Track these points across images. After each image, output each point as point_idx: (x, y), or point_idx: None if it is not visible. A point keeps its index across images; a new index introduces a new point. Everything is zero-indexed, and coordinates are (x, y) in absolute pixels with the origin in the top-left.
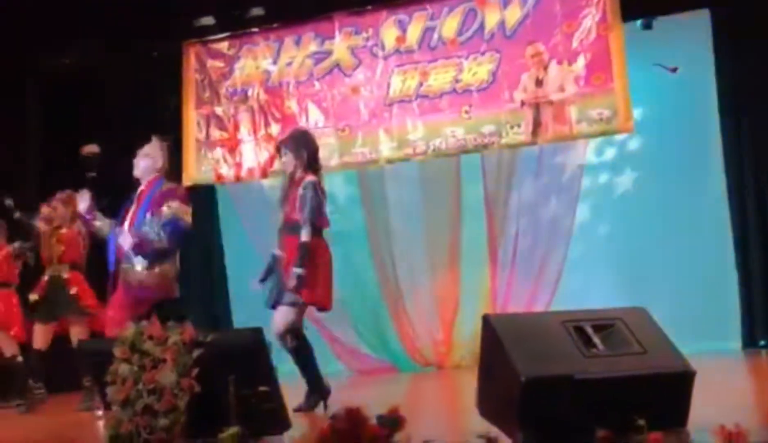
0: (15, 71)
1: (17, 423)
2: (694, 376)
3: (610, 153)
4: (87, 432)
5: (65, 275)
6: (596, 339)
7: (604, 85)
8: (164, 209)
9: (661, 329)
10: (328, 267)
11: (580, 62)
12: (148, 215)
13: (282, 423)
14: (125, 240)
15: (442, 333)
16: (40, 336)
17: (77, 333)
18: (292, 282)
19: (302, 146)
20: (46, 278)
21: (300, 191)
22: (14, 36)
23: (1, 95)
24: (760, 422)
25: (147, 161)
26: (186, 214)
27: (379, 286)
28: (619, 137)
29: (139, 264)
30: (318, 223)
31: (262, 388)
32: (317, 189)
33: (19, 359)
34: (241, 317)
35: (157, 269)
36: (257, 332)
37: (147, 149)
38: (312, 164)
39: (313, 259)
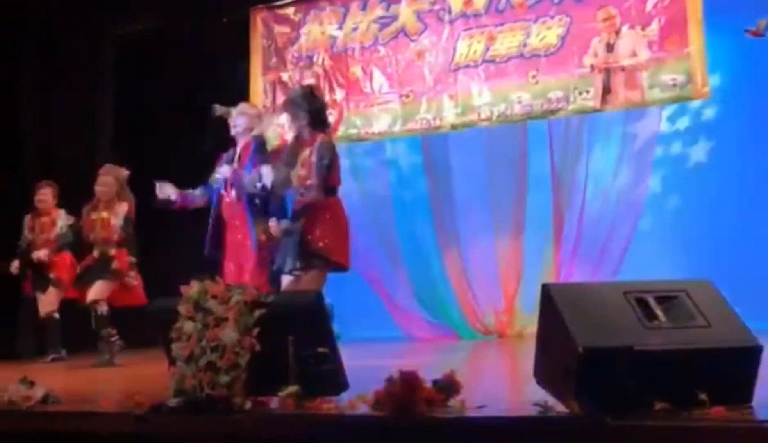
0: (88, 37)
1: (81, 376)
2: (761, 351)
3: (683, 122)
4: (151, 385)
5: (111, 252)
6: (658, 311)
7: (678, 50)
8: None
9: (727, 303)
10: (347, 227)
11: (654, 26)
12: (249, 175)
13: (339, 384)
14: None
15: (504, 301)
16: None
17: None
18: (319, 245)
19: (300, 107)
20: (95, 254)
21: (312, 154)
22: (87, 3)
23: (75, 61)
24: None
25: (244, 119)
26: None
27: (441, 254)
28: (693, 105)
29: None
30: (331, 182)
31: (320, 349)
32: (328, 149)
33: (56, 316)
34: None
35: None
36: (317, 294)
37: (244, 106)
38: (317, 123)
39: (334, 220)
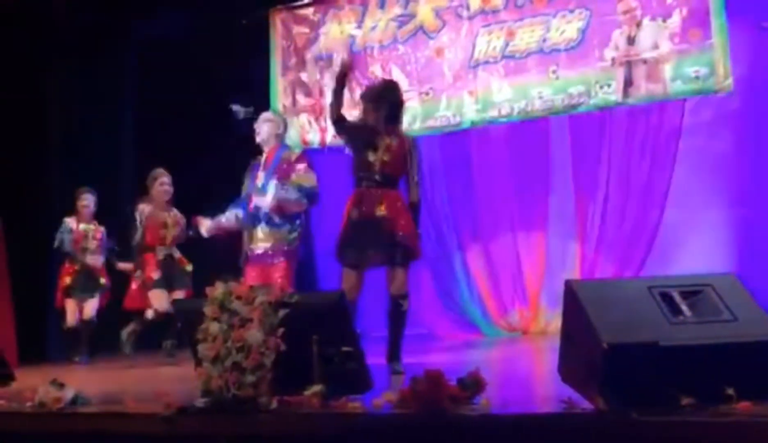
0: (111, 40)
1: (109, 377)
2: None
3: (707, 114)
4: (179, 386)
5: (176, 254)
6: (684, 306)
7: (701, 42)
8: (294, 176)
9: (752, 297)
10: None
11: (676, 18)
12: (275, 181)
13: (364, 383)
14: (264, 202)
15: (527, 298)
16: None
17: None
18: (410, 241)
19: (384, 98)
20: (161, 257)
21: (399, 143)
22: (110, 5)
23: (98, 64)
24: None
25: (269, 126)
26: (314, 179)
27: (464, 251)
28: (717, 97)
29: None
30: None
31: (345, 348)
32: (415, 145)
33: (94, 320)
34: (327, 279)
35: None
36: (341, 294)
37: (268, 114)
38: (393, 117)
39: (408, 211)
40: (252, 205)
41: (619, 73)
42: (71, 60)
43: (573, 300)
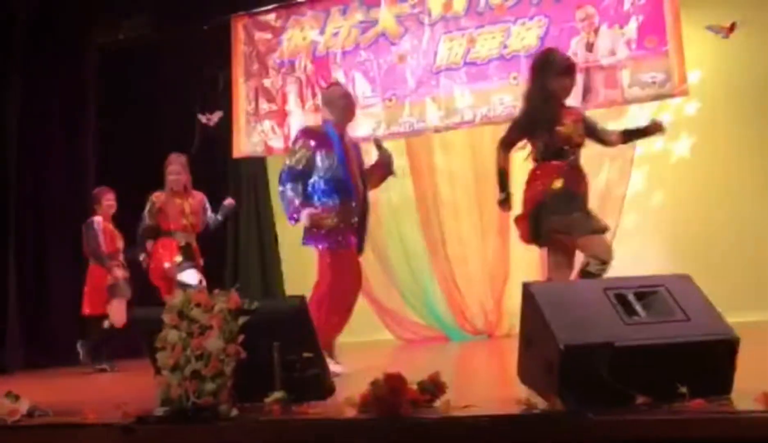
0: (72, 47)
1: (67, 387)
2: (737, 343)
3: (665, 119)
4: (139, 395)
5: (194, 244)
6: (638, 306)
7: (657, 49)
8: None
9: (705, 297)
10: None
11: (632, 25)
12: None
13: (326, 389)
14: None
15: (491, 301)
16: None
17: None
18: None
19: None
20: (182, 243)
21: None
22: (71, 12)
23: (59, 71)
24: None
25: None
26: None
27: (429, 256)
28: (674, 102)
29: None
30: None
31: (306, 354)
32: None
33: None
34: (293, 285)
35: None
36: (301, 299)
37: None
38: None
39: None
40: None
41: (578, 80)
42: (30, 69)
43: (530, 303)
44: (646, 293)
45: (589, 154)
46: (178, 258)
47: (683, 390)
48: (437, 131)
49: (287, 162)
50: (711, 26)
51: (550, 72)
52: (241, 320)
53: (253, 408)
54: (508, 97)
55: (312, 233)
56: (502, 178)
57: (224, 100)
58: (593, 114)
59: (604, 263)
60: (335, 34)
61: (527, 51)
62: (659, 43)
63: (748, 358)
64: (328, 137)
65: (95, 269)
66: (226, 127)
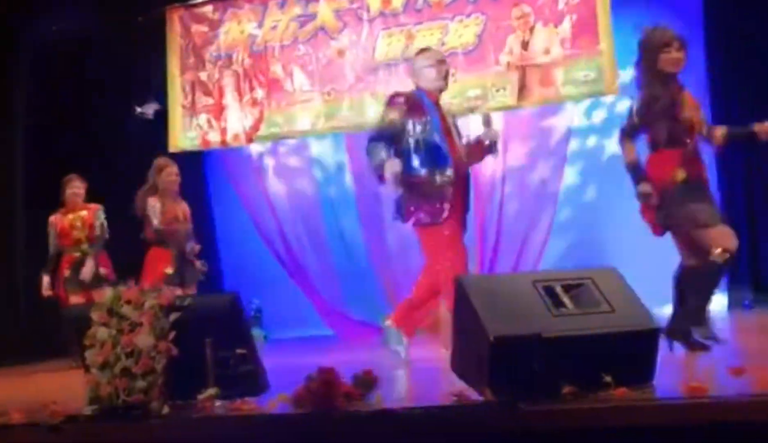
0: (2, 40)
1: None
2: (659, 333)
3: (599, 116)
4: (68, 393)
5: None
6: (566, 299)
7: (590, 48)
8: None
9: (630, 289)
10: None
11: (566, 24)
12: None
13: (260, 385)
14: None
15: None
16: None
17: None
18: None
19: None
20: (175, 252)
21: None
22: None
23: None
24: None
25: None
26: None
27: (370, 252)
28: (608, 100)
29: None
30: None
31: (239, 351)
32: None
33: None
34: (232, 282)
35: None
36: (234, 296)
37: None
38: None
39: None
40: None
41: (514, 77)
42: None
43: (462, 296)
44: (573, 286)
45: (525, 150)
46: (169, 270)
47: (608, 379)
48: None
49: (377, 124)
50: (640, 26)
51: (655, 50)
52: (173, 316)
53: (185, 406)
54: (446, 92)
55: (400, 208)
56: (635, 171)
57: (159, 94)
58: (532, 111)
59: (730, 252)
60: (273, 28)
61: (465, 48)
62: (592, 43)
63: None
64: (422, 102)
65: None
66: (161, 121)
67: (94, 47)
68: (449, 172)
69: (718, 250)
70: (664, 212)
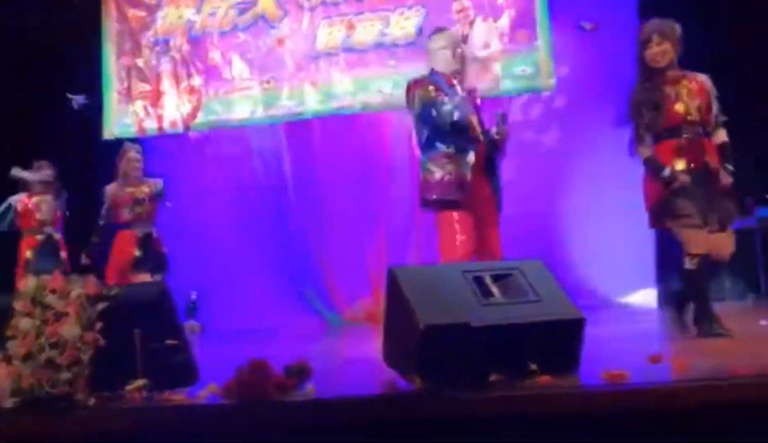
0: None
1: None
2: (583, 323)
3: (536, 111)
4: None
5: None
6: (494, 289)
7: (528, 43)
8: None
9: (555, 280)
10: None
11: (505, 19)
12: None
13: (190, 376)
14: None
15: (370, 288)
16: None
17: None
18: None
19: (678, 35)
20: (140, 234)
21: (710, 85)
22: None
23: None
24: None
25: None
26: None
27: (308, 242)
28: (546, 95)
29: None
30: None
31: (169, 341)
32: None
33: None
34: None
35: None
36: (164, 285)
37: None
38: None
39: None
40: None
41: None
42: None
43: (394, 286)
44: (501, 276)
45: None
46: (136, 253)
47: (533, 367)
48: (316, 116)
49: (413, 112)
50: (579, 23)
51: (641, 47)
52: (100, 306)
53: (113, 397)
54: (387, 83)
55: (423, 195)
56: (652, 163)
57: (94, 79)
58: None
59: (700, 257)
60: (212, 15)
61: (406, 40)
62: (530, 38)
63: (595, 337)
64: (440, 85)
65: None
66: (97, 108)
67: (27, 30)
68: (471, 156)
69: (687, 257)
70: (662, 207)
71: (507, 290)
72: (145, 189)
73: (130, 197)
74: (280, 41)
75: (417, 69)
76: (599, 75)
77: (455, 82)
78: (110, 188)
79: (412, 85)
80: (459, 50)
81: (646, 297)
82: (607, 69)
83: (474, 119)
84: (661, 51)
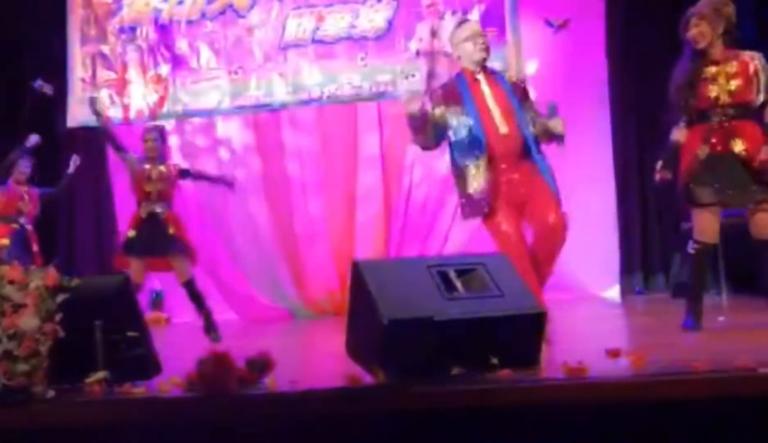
0: None
1: None
2: (545, 317)
3: None
4: None
5: (163, 213)
6: (458, 283)
7: (498, 39)
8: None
9: (518, 275)
10: None
11: (475, 14)
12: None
13: (151, 368)
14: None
15: (337, 280)
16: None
17: (186, 272)
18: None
19: (721, 15)
20: (143, 215)
21: (756, 64)
22: None
23: None
24: (604, 359)
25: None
26: None
27: (275, 234)
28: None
29: None
30: None
31: (130, 334)
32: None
33: None
34: None
35: None
36: (124, 277)
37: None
38: (731, 38)
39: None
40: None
41: (423, 65)
42: None
43: (358, 279)
44: (465, 271)
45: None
46: (131, 233)
47: (495, 360)
48: (284, 106)
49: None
50: (548, 20)
51: (682, 30)
52: (60, 297)
53: (72, 390)
54: (356, 77)
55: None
56: (667, 151)
57: (58, 66)
58: None
59: (702, 244)
60: (180, 3)
61: (375, 33)
62: (499, 33)
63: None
64: (457, 88)
65: None
66: (62, 95)
67: None
68: (482, 160)
69: (690, 240)
70: (686, 192)
71: (470, 284)
72: (160, 171)
73: (146, 175)
74: (249, 31)
75: (385, 62)
76: (568, 71)
77: (480, 76)
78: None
79: (431, 94)
80: (481, 40)
81: (612, 292)
82: (576, 64)
83: (488, 116)
84: (699, 32)
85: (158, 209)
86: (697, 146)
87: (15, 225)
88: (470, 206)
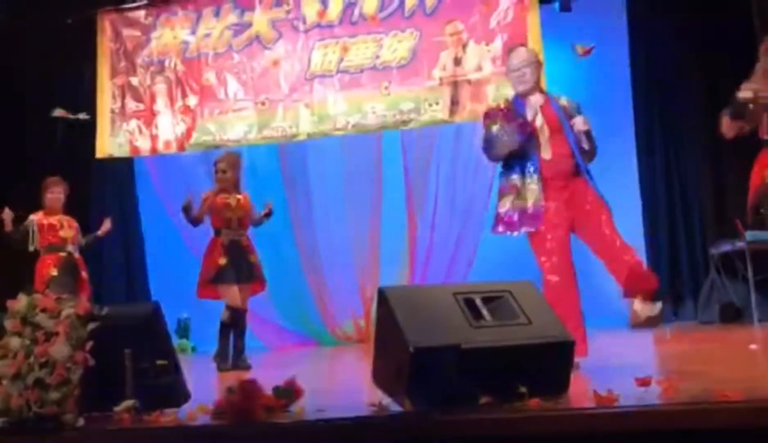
0: None
1: None
2: (573, 345)
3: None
4: None
5: (244, 241)
6: (485, 311)
7: None
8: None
9: (546, 302)
10: None
11: (498, 42)
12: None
13: (180, 396)
14: None
15: (362, 307)
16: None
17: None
18: None
19: None
20: (225, 242)
21: None
22: None
23: None
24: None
25: (531, 70)
26: None
27: (300, 261)
28: None
29: None
30: None
31: (159, 362)
32: None
33: None
34: (160, 294)
35: None
36: (155, 305)
37: (524, 52)
38: None
39: None
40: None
41: (446, 93)
42: None
43: (385, 307)
44: (492, 298)
45: (456, 165)
46: (222, 261)
47: (523, 389)
48: (310, 136)
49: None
50: (575, 46)
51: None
52: (90, 326)
53: (102, 418)
54: (380, 106)
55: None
56: (738, 108)
57: (88, 98)
58: (462, 127)
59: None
60: (207, 36)
61: (399, 62)
62: None
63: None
64: (515, 111)
65: None
66: (91, 126)
67: (22, 48)
68: (534, 177)
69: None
70: (756, 214)
71: (497, 312)
72: (238, 200)
73: (226, 204)
74: (275, 63)
75: (409, 91)
76: (591, 96)
77: (531, 100)
78: (210, 195)
79: (483, 116)
80: (525, 70)
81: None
82: (600, 90)
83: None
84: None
85: (239, 237)
86: (762, 173)
87: (62, 254)
88: (520, 220)
